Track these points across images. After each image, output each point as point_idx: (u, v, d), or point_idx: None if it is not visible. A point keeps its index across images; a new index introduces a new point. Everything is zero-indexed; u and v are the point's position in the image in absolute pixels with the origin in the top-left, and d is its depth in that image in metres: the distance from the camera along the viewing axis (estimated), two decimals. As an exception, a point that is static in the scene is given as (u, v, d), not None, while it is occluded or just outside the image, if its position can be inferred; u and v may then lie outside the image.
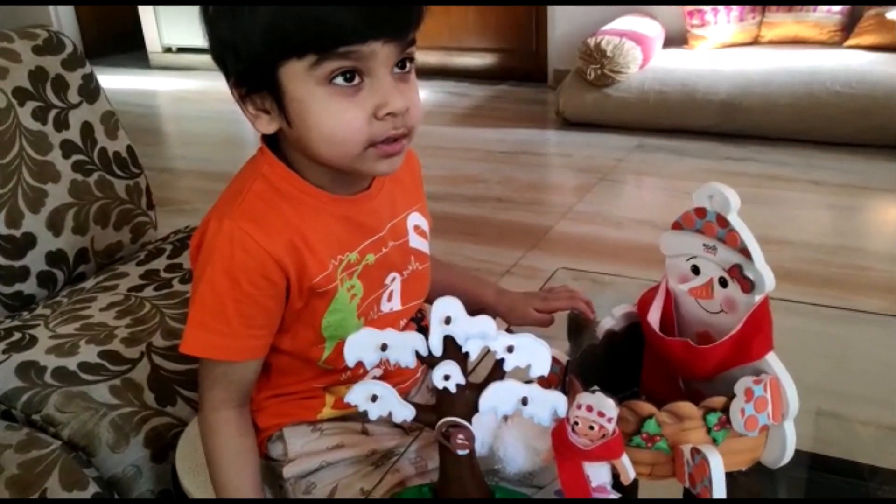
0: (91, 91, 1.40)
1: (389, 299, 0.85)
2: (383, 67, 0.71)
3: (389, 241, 0.84)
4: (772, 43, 3.56)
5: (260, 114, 0.75)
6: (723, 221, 0.70)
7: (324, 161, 0.75)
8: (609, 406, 0.62)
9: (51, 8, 5.02)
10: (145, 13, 5.07)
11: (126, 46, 5.24)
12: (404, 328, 0.88)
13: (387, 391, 0.65)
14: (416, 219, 0.88)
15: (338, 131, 0.71)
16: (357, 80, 0.70)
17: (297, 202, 0.77)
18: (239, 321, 0.75)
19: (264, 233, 0.74)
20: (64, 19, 5.04)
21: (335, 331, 0.81)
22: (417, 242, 0.88)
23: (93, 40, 5.07)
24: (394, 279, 0.85)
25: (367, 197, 0.82)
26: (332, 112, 0.71)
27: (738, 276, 0.69)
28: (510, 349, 0.62)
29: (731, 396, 0.68)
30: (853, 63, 3.20)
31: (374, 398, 0.65)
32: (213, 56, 0.75)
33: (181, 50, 5.04)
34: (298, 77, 0.70)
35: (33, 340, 1.14)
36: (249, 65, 0.71)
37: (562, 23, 4.11)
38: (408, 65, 0.74)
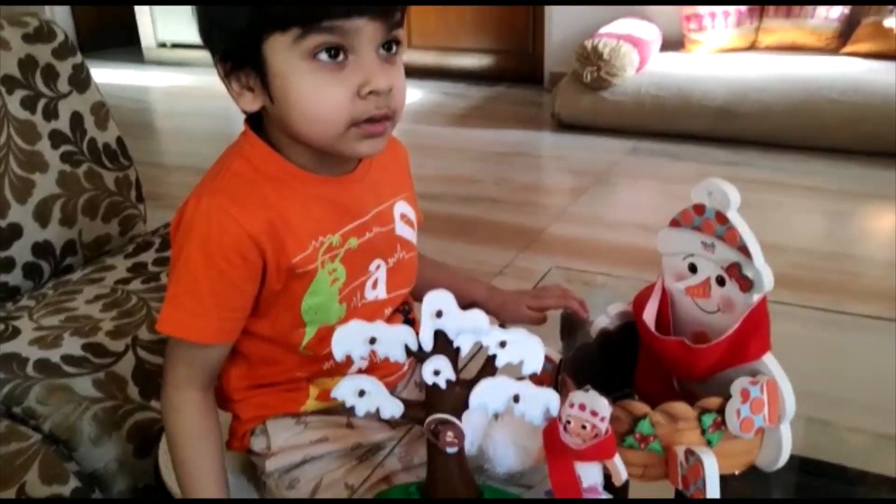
0: (81, 81, 1.38)
1: (374, 287, 0.84)
2: (368, 46, 0.70)
3: (374, 226, 0.82)
4: (769, 49, 3.57)
5: (244, 91, 0.74)
6: (722, 218, 0.68)
7: (305, 139, 0.74)
8: (602, 405, 0.60)
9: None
10: (141, 8, 5.04)
11: (121, 41, 5.22)
12: (390, 318, 0.86)
13: (375, 386, 0.63)
14: (402, 207, 0.87)
15: (320, 108, 0.71)
16: (341, 57, 0.70)
17: (278, 182, 0.76)
18: (212, 301, 0.74)
19: (242, 210, 0.73)
20: (59, 13, 5.01)
21: (316, 314, 0.79)
22: (404, 231, 0.87)
23: (88, 34, 5.05)
24: (378, 266, 0.84)
25: (350, 179, 0.81)
26: (315, 88, 0.70)
27: (737, 274, 0.68)
28: (502, 344, 0.61)
29: (727, 397, 0.67)
30: (850, 70, 3.20)
31: (361, 393, 0.63)
32: (201, 35, 0.74)
33: (176, 45, 5.02)
34: (283, 51, 0.69)
35: (16, 332, 1.12)
36: (235, 39, 0.71)
37: (559, 25, 4.11)
38: (395, 48, 0.73)
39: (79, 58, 1.39)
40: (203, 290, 0.74)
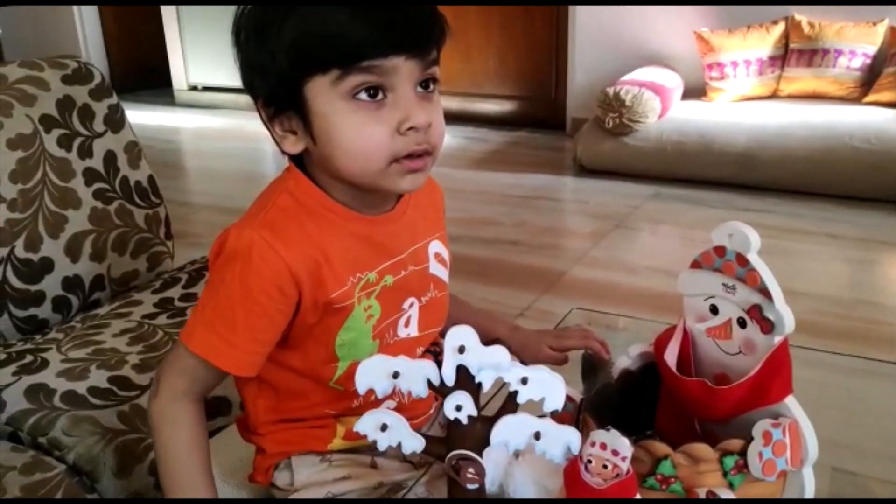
0: (116, 121, 1.42)
1: (407, 325, 0.85)
2: (406, 83, 0.73)
3: (409, 265, 0.84)
4: (790, 97, 3.58)
5: (287, 134, 0.76)
6: (742, 260, 0.69)
7: (347, 177, 0.76)
8: (624, 445, 0.60)
9: (80, 43, 5.14)
10: (173, 51, 5.18)
11: (153, 83, 5.35)
12: (420, 357, 0.87)
13: (397, 421, 0.64)
14: (436, 247, 0.88)
15: (361, 145, 0.73)
16: (380, 95, 0.72)
17: (320, 218, 0.78)
18: (246, 333, 0.75)
19: (284, 243, 0.74)
20: (94, 55, 5.16)
21: (349, 350, 0.80)
22: (437, 270, 0.88)
23: (121, 76, 5.18)
24: (412, 304, 0.85)
25: (389, 219, 0.82)
26: (356, 126, 0.72)
27: (758, 316, 0.68)
28: (524, 381, 0.61)
29: (749, 440, 0.67)
30: (871, 119, 3.20)
31: (383, 427, 0.64)
32: (243, 82, 0.77)
33: (206, 88, 5.14)
34: (323, 92, 0.72)
35: (44, 363, 1.14)
36: (276, 83, 0.73)
37: (581, 72, 4.16)
38: (431, 85, 0.76)
39: (114, 98, 1.43)
40: (238, 320, 0.75)
